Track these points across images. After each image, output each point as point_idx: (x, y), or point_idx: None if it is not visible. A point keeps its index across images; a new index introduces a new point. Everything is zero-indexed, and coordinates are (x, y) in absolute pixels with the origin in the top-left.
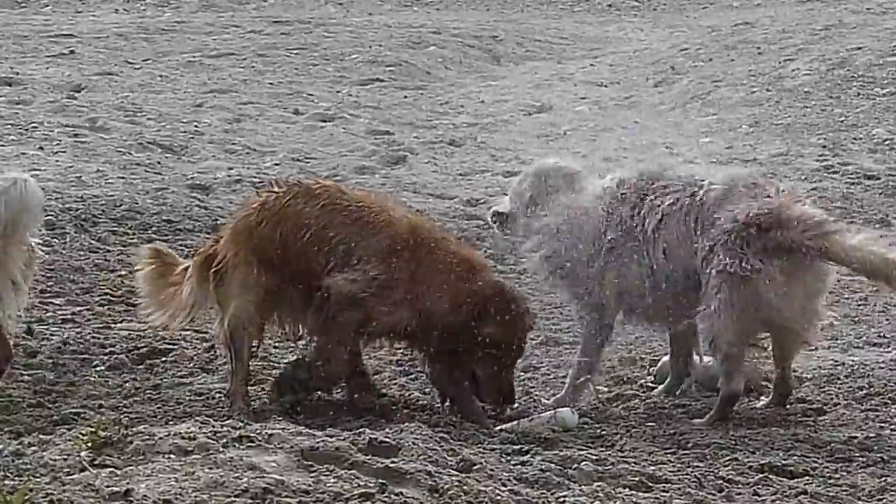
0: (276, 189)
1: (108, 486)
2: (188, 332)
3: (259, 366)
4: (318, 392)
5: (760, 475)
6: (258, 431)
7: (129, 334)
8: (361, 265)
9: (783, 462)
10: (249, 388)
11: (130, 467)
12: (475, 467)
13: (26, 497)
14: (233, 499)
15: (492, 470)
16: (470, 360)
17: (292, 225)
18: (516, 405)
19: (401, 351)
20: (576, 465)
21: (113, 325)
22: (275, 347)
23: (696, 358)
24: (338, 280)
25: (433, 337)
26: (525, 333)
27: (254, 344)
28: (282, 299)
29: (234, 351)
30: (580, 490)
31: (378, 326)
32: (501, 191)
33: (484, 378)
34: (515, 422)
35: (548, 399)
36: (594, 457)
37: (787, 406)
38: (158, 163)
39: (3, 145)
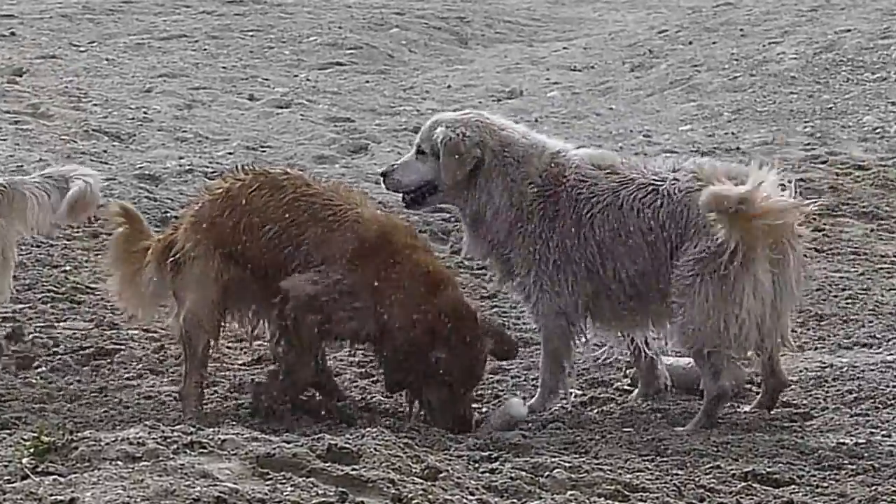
0: (240, 176)
1: (51, 495)
2: (136, 332)
3: (213, 367)
4: (288, 401)
5: (744, 483)
6: (211, 437)
7: (74, 334)
8: (324, 267)
9: (768, 470)
10: (204, 390)
11: (75, 475)
12: (441, 475)
13: None
14: None
15: (459, 478)
16: (422, 381)
17: (256, 218)
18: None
19: (361, 352)
20: (548, 473)
21: (56, 324)
22: (228, 347)
23: (665, 359)
24: (296, 281)
25: (391, 349)
26: (482, 359)
27: (211, 342)
28: (242, 294)
29: (189, 349)
30: (552, 499)
31: (337, 331)
32: None
33: (435, 402)
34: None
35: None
36: (567, 464)
37: (772, 410)
38: (105, 151)
39: None
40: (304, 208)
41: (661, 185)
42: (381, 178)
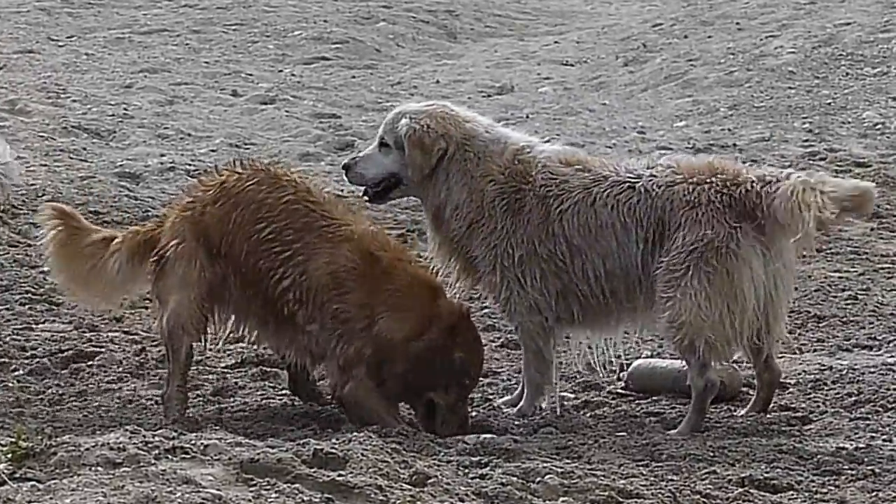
0: (238, 169)
1: (29, 502)
2: (116, 334)
3: (196, 370)
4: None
5: (741, 489)
6: (193, 442)
7: (52, 336)
8: (316, 297)
9: (765, 475)
10: (187, 392)
11: (54, 481)
12: (430, 481)
13: None
14: None
15: (448, 484)
16: (427, 389)
17: (249, 215)
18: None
19: None
20: (539, 479)
21: (34, 326)
22: (211, 350)
23: (659, 361)
24: (322, 349)
25: (386, 362)
26: (482, 360)
27: (194, 344)
28: (223, 295)
29: (171, 352)
30: None
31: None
32: None
33: (444, 407)
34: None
35: (508, 408)
36: (559, 469)
37: (769, 410)
38: (84, 149)
39: None
40: (303, 214)
41: (637, 182)
42: (343, 171)
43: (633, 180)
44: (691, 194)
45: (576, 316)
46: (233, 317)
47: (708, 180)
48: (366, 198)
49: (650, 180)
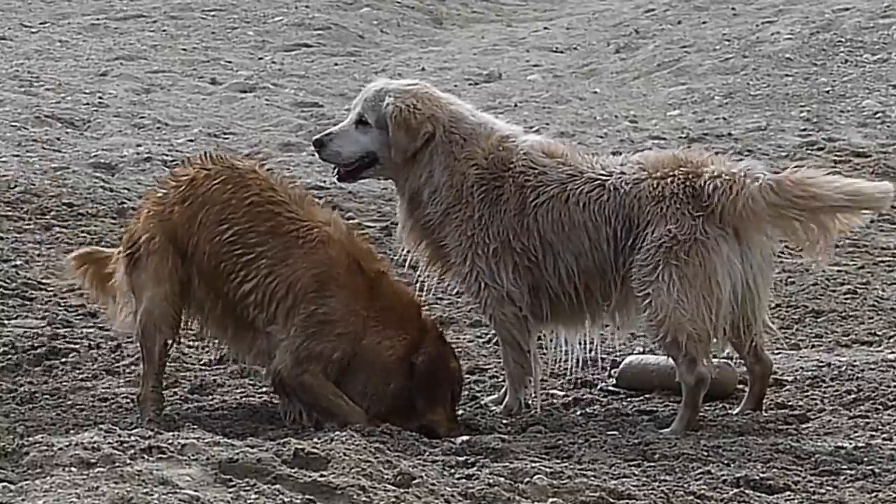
0: (208, 166)
1: (1, 503)
2: (91, 330)
3: (173, 367)
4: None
5: (736, 490)
6: (170, 442)
7: (25, 332)
8: (292, 300)
9: (761, 475)
10: (163, 392)
11: (26, 482)
12: (414, 482)
13: None
14: None
15: (433, 485)
16: (423, 405)
17: (214, 216)
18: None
19: None
20: (528, 479)
21: (7, 322)
22: (189, 346)
23: (652, 358)
24: (277, 343)
25: (375, 377)
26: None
27: (168, 342)
28: (189, 295)
29: (145, 350)
30: None
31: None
32: None
33: (444, 425)
34: None
35: (495, 406)
36: (549, 469)
37: (763, 404)
38: (58, 139)
39: None
40: (266, 217)
41: (608, 180)
42: (316, 148)
43: (604, 178)
44: (656, 189)
45: (545, 313)
46: (197, 319)
47: (671, 174)
48: (336, 177)
49: (619, 177)
